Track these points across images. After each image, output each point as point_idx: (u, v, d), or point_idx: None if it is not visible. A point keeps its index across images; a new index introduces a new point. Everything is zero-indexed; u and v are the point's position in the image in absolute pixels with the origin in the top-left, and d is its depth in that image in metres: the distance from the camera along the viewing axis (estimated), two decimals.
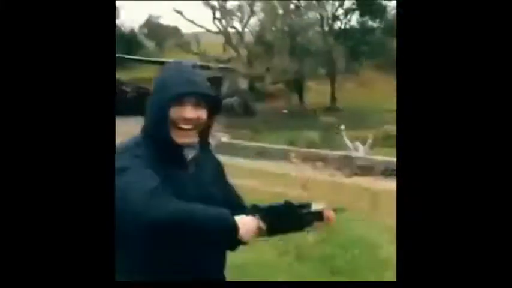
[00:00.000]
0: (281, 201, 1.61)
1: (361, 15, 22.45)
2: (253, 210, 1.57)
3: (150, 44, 30.41)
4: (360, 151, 10.70)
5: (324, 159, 10.74)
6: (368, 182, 8.99)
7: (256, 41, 21.55)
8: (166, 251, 1.49)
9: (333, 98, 20.98)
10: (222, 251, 1.66)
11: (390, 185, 7.49)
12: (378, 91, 19.76)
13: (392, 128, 11.77)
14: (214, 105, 1.64)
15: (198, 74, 1.63)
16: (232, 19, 21.03)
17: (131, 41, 28.09)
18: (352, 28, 22.58)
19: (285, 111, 18.45)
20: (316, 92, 20.94)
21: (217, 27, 20.64)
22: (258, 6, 21.02)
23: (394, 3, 20.64)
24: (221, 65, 20.34)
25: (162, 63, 16.26)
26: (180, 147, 1.58)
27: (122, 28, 28.46)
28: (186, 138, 1.58)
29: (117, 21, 25.92)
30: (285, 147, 12.24)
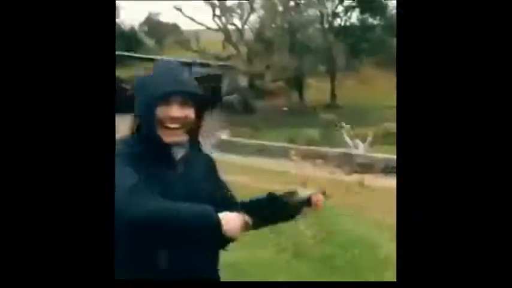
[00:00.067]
0: None
1: (362, 12, 22.46)
2: (240, 206, 1.58)
3: (150, 42, 30.38)
4: (360, 148, 10.73)
5: (324, 156, 10.74)
6: (368, 180, 8.99)
7: (256, 39, 21.54)
8: (151, 250, 1.48)
9: (333, 96, 20.98)
10: (211, 249, 1.63)
11: (390, 182, 7.49)
12: (378, 88, 19.76)
13: (392, 126, 11.77)
14: (202, 104, 1.64)
15: (185, 73, 1.63)
16: (232, 16, 21.04)
17: (131, 39, 28.04)
18: (352, 25, 22.61)
19: (285, 108, 18.43)
20: (316, 90, 20.93)
21: (217, 25, 20.66)
22: (257, 3, 21.04)
23: (394, 3, 20.63)
24: (221, 63, 20.36)
25: None
26: (168, 146, 1.57)
27: (122, 26, 28.41)
28: (174, 137, 1.58)
29: (117, 20, 25.90)
30: (285, 144, 12.25)
